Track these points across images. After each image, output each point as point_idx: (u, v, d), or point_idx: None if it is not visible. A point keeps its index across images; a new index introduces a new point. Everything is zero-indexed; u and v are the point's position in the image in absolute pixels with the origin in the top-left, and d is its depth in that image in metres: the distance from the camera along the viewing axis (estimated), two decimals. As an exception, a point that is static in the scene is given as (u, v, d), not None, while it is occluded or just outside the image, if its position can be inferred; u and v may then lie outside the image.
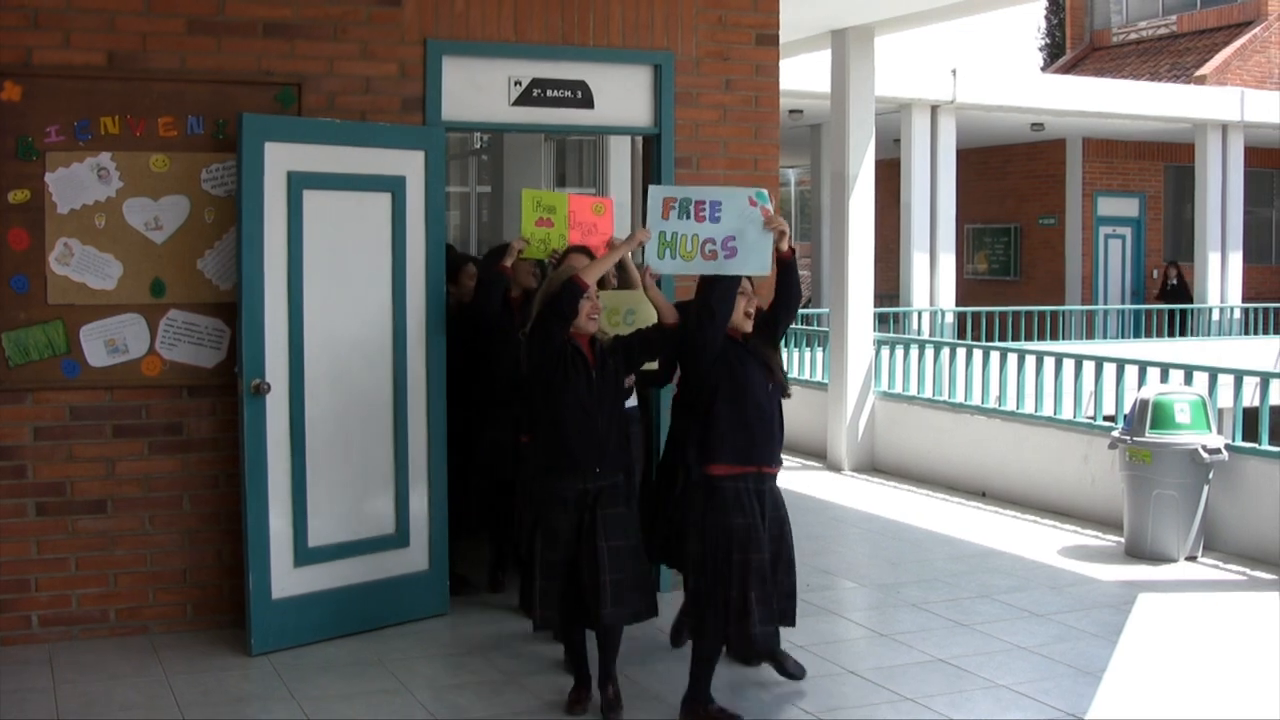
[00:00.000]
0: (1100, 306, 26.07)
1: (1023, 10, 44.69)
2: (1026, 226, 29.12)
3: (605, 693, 6.49)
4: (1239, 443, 10.14)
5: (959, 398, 13.17)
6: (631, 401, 7.63)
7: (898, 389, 13.95)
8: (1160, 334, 24.13)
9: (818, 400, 14.28)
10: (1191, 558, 9.73)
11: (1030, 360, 12.59)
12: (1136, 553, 9.85)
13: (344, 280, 7.50)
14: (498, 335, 7.99)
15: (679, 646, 7.38)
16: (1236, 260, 26.23)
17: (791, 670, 6.98)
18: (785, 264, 6.46)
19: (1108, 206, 28.42)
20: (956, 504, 12.02)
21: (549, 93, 8.33)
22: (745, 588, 6.19)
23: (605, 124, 8.67)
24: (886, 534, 10.84)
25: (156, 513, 7.58)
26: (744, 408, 6.30)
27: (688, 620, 6.63)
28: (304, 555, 7.42)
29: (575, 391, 6.36)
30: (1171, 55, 33.50)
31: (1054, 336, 22.78)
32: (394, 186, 7.67)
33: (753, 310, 6.52)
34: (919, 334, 20.82)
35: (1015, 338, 21.54)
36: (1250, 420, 10.52)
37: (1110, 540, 10.37)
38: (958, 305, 23.11)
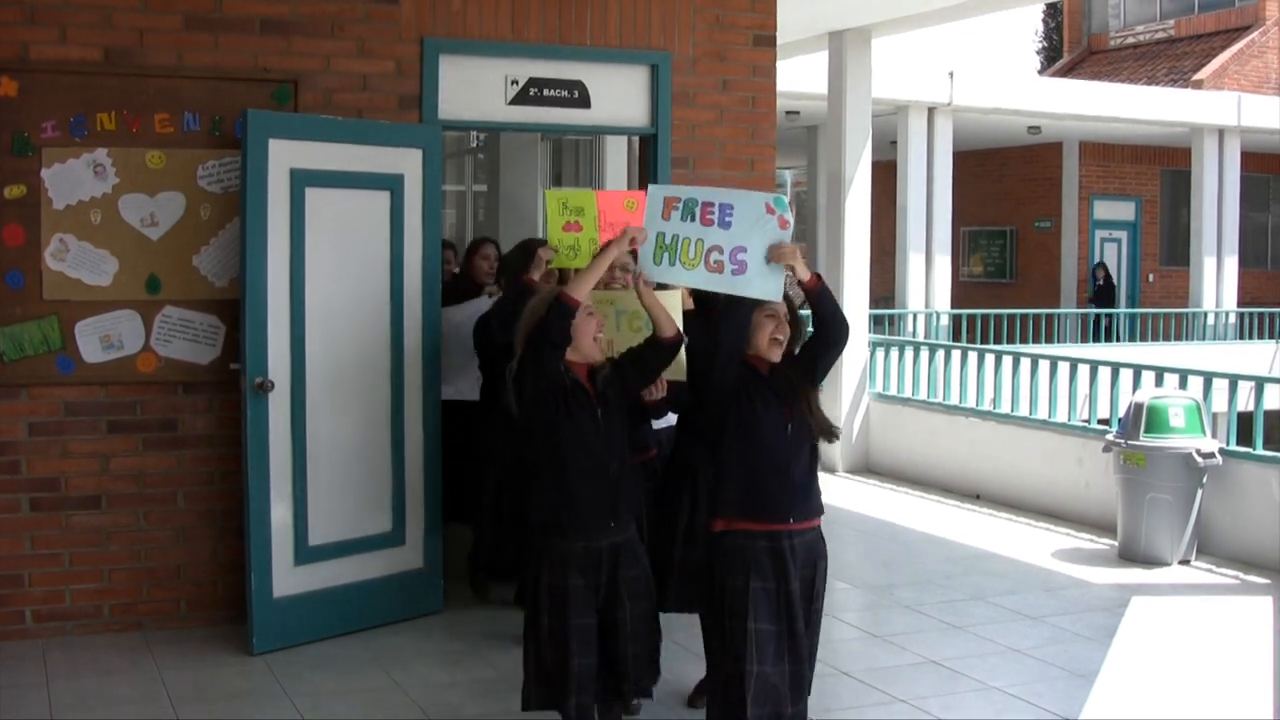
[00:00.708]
0: (1095, 310, 26.09)
1: (1020, 13, 44.74)
2: (1022, 229, 29.16)
3: None
4: (1233, 447, 10.14)
5: (954, 400, 13.17)
6: (667, 420, 6.85)
7: (892, 391, 13.95)
8: (1157, 337, 24.13)
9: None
10: (1185, 561, 9.73)
11: (1025, 363, 12.62)
12: (1130, 556, 9.85)
13: (343, 278, 7.49)
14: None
15: (694, 708, 6.59)
16: (1232, 265, 26.28)
17: None
18: (810, 295, 5.37)
19: (1104, 210, 28.47)
20: (950, 506, 12.03)
21: (546, 92, 8.34)
22: (741, 661, 5.20)
23: (602, 124, 8.67)
24: (880, 535, 10.84)
25: (151, 509, 7.57)
26: (752, 452, 5.28)
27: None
28: (304, 554, 7.42)
29: (579, 432, 5.42)
30: (1169, 59, 33.56)
31: (1049, 339, 22.80)
32: (392, 184, 7.67)
33: (783, 337, 5.44)
34: (914, 336, 20.85)
35: (1010, 340, 21.55)
36: (1244, 424, 10.52)
37: (1104, 543, 10.38)
38: (953, 308, 23.13)
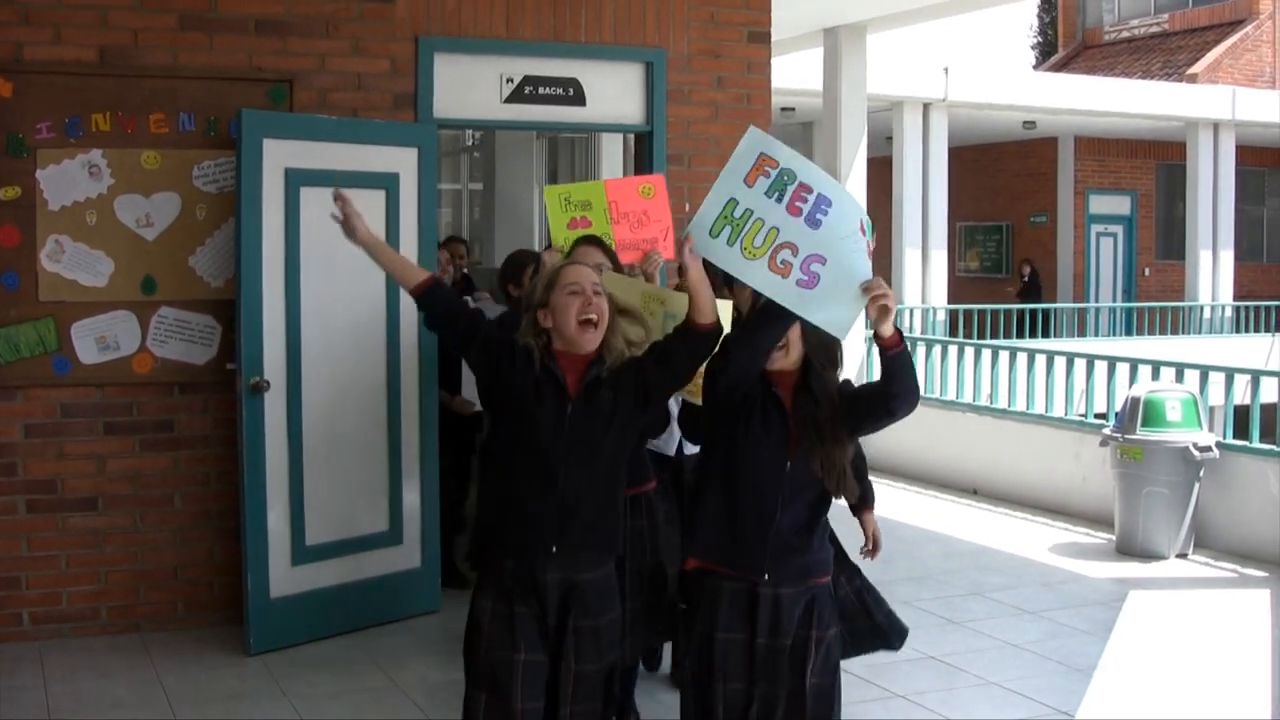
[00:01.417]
0: (1092, 304, 26.10)
1: (1015, 8, 44.73)
2: (1018, 224, 29.16)
3: None
4: (1230, 440, 10.16)
5: (950, 395, 13.17)
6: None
7: (889, 386, 13.92)
8: (1153, 331, 24.15)
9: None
10: (1182, 555, 9.74)
11: (1022, 358, 12.61)
12: (1127, 550, 9.86)
13: (339, 278, 7.47)
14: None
15: None
16: (1228, 258, 26.29)
17: None
18: (887, 355, 4.39)
19: (1099, 204, 28.47)
20: (948, 501, 12.03)
21: (541, 90, 8.34)
22: None
23: (597, 121, 8.68)
24: (878, 531, 10.83)
25: (147, 510, 7.57)
26: (735, 484, 4.50)
27: None
28: (302, 554, 7.41)
29: (532, 428, 4.51)
30: (1163, 53, 33.55)
31: (1045, 334, 22.81)
32: (388, 183, 7.66)
33: (787, 351, 4.55)
34: (910, 331, 20.82)
35: (1007, 335, 21.56)
36: (1241, 418, 10.54)
37: (1101, 538, 10.38)
38: (949, 303, 23.13)
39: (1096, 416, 11.66)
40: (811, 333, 4.48)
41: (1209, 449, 9.66)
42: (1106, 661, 7.35)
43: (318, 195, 7.37)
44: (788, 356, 4.53)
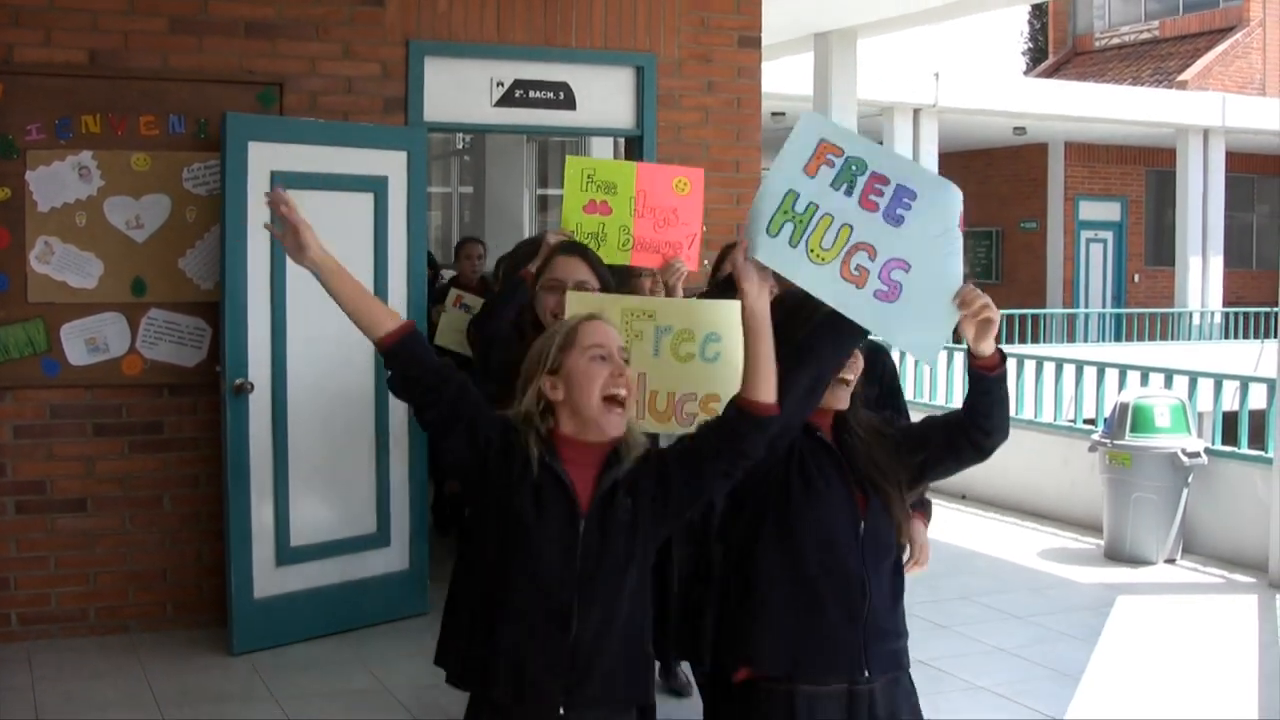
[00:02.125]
0: (1081, 310, 26.14)
1: (1006, 14, 44.80)
2: (1008, 230, 29.21)
3: None
4: (1218, 446, 10.17)
5: (940, 400, 13.19)
6: None
7: (879, 391, 13.94)
8: (1142, 337, 24.18)
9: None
10: (1170, 560, 9.76)
11: (1011, 363, 12.59)
12: (1116, 555, 9.87)
13: (325, 280, 7.47)
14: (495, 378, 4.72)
15: None
16: (1217, 264, 26.36)
17: None
18: (982, 380, 3.61)
19: (1089, 210, 28.54)
20: (937, 506, 11.99)
21: (531, 94, 8.34)
22: None
23: (587, 125, 8.68)
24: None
25: (136, 512, 7.56)
26: (802, 569, 3.59)
27: None
28: (286, 555, 7.41)
29: (534, 552, 3.37)
30: (1154, 60, 33.64)
31: (1034, 340, 22.84)
32: (376, 187, 7.66)
33: (853, 376, 3.72)
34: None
35: (997, 340, 21.50)
36: (1229, 424, 10.56)
37: (1089, 543, 10.40)
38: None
39: (1085, 422, 11.68)
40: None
41: (1197, 455, 9.68)
42: (1094, 666, 7.36)
43: (305, 199, 7.32)
44: (848, 387, 3.70)
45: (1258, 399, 10.98)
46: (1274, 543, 9.22)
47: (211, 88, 7.58)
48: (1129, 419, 9.82)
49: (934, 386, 13.39)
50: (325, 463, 7.56)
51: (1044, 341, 23.16)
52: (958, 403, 3.77)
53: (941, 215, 3.47)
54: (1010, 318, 22.53)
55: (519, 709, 3.40)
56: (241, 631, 7.23)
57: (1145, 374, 11.17)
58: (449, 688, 3.65)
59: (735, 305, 3.54)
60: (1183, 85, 30.06)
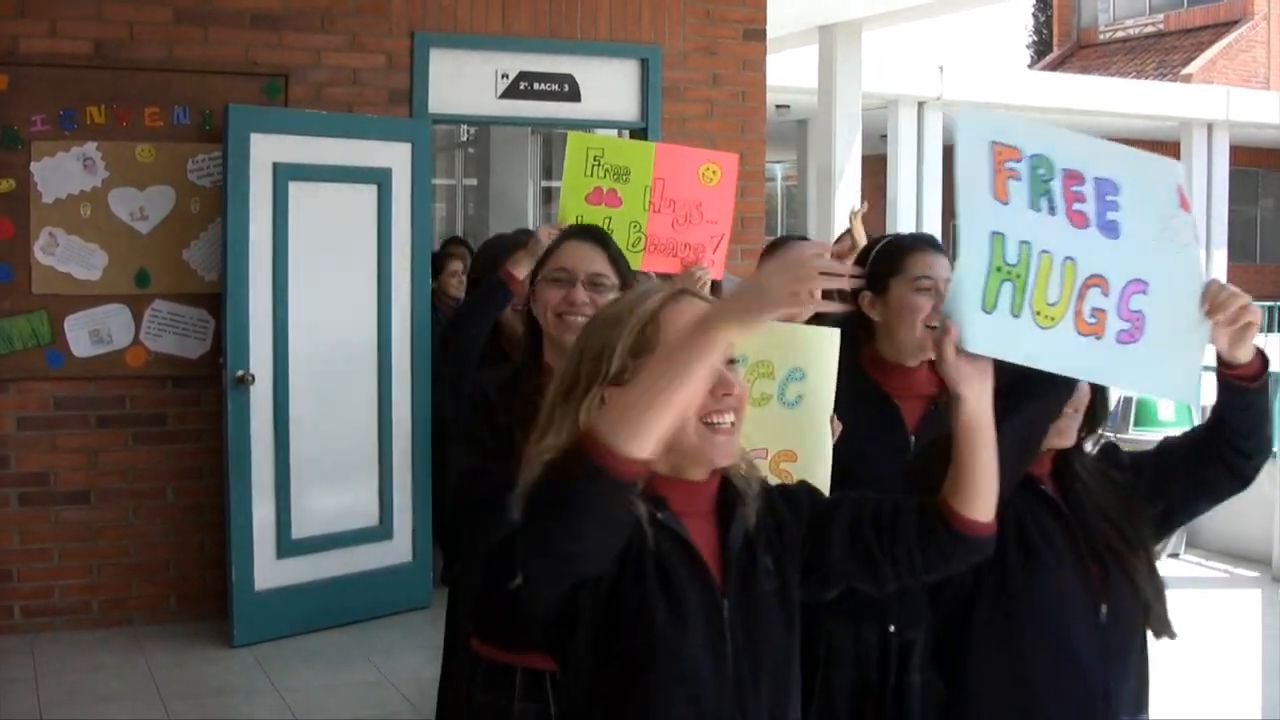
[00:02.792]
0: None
1: (1010, 7, 44.78)
2: (1012, 223, 29.19)
3: None
4: (1222, 441, 10.16)
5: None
6: None
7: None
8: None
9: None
10: (1174, 555, 9.74)
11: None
12: (1119, 550, 9.86)
13: (329, 272, 7.48)
14: (463, 407, 3.52)
15: None
16: (1221, 258, 26.32)
17: None
18: (1242, 391, 2.86)
19: (1093, 204, 28.50)
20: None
21: (536, 86, 8.33)
22: None
23: (592, 118, 8.66)
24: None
25: (140, 504, 7.56)
26: (1025, 669, 2.84)
27: None
28: (287, 547, 7.41)
29: (679, 665, 2.33)
30: (1158, 53, 33.60)
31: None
32: (380, 179, 7.66)
33: (1078, 410, 2.89)
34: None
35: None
36: (1233, 418, 10.54)
37: (1093, 537, 10.38)
38: (941, 303, 23.11)
39: (1089, 416, 11.67)
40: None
41: (1201, 449, 9.66)
42: (1097, 661, 7.35)
43: (307, 190, 7.38)
44: (1074, 417, 2.88)
45: (1262, 394, 10.97)
46: (1277, 537, 9.21)
47: (216, 79, 7.57)
48: (1133, 413, 9.82)
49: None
50: (327, 455, 7.56)
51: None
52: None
53: (1157, 202, 2.67)
54: (1014, 311, 22.51)
55: None
56: (244, 623, 7.23)
57: (1149, 368, 11.17)
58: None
59: (829, 334, 2.97)
60: (1187, 79, 30.02)
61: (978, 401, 2.43)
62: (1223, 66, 31.55)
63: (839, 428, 3.17)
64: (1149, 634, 3.01)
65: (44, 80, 7.30)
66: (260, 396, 7.27)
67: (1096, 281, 2.54)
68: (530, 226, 13.41)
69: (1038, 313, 2.48)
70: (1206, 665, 7.44)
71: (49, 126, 7.32)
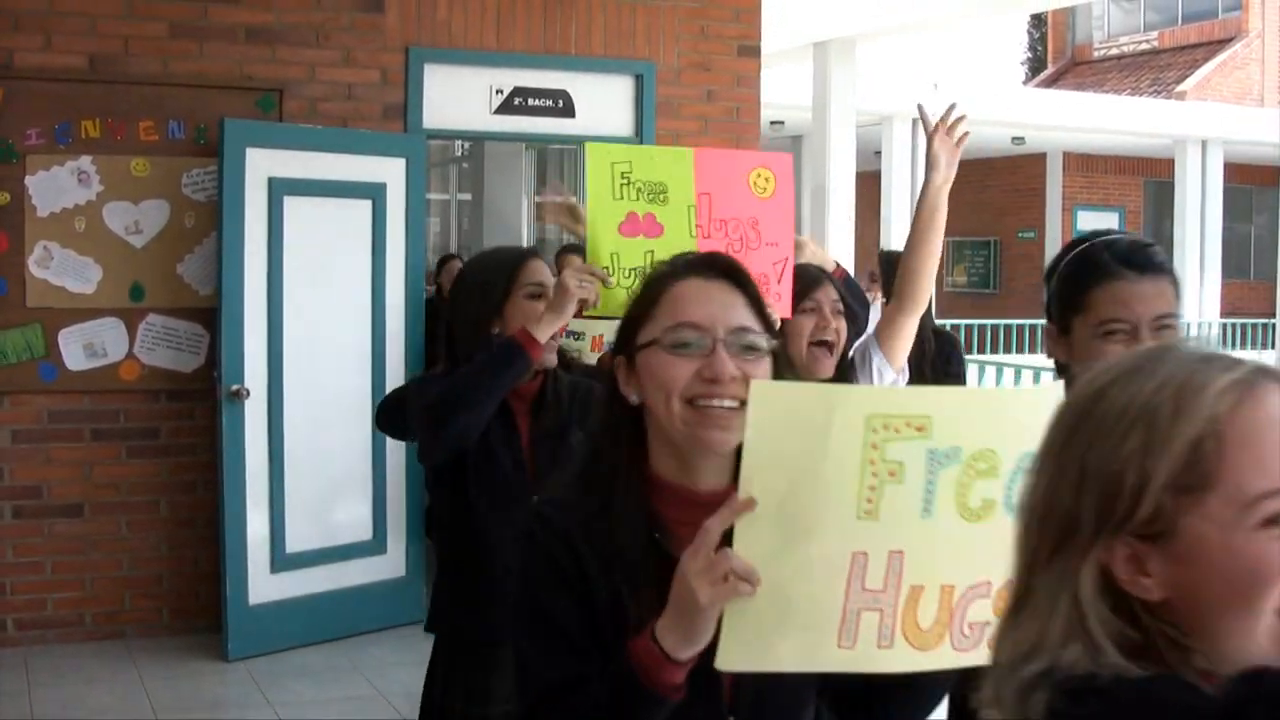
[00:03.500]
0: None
1: (1005, 24, 44.85)
2: (1006, 240, 29.22)
3: None
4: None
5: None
6: None
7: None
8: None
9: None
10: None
11: (1009, 373, 12.64)
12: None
13: (324, 287, 7.49)
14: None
15: None
16: (1215, 276, 26.36)
17: None
18: None
19: (1087, 221, 28.49)
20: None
21: (530, 101, 8.35)
22: None
23: (586, 133, 8.65)
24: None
25: (133, 517, 7.56)
26: None
27: None
28: (281, 561, 7.42)
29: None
30: (1152, 71, 33.65)
31: (1033, 350, 22.84)
32: (374, 194, 7.67)
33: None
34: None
35: (994, 351, 21.61)
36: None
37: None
38: (937, 318, 23.10)
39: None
40: None
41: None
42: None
43: (302, 205, 7.39)
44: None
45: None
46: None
47: (211, 93, 7.58)
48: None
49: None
50: (321, 469, 7.56)
51: (1041, 352, 23.15)
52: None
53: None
54: (1008, 328, 22.56)
55: None
56: (237, 638, 7.23)
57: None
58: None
59: (1055, 392, 1.96)
60: (1181, 96, 30.09)
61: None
62: (1217, 84, 31.61)
63: None
64: None
65: (39, 94, 7.32)
66: (255, 411, 7.28)
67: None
68: (524, 239, 13.39)
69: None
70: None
71: (44, 140, 7.33)
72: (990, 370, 12.91)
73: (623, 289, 3.54)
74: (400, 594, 7.88)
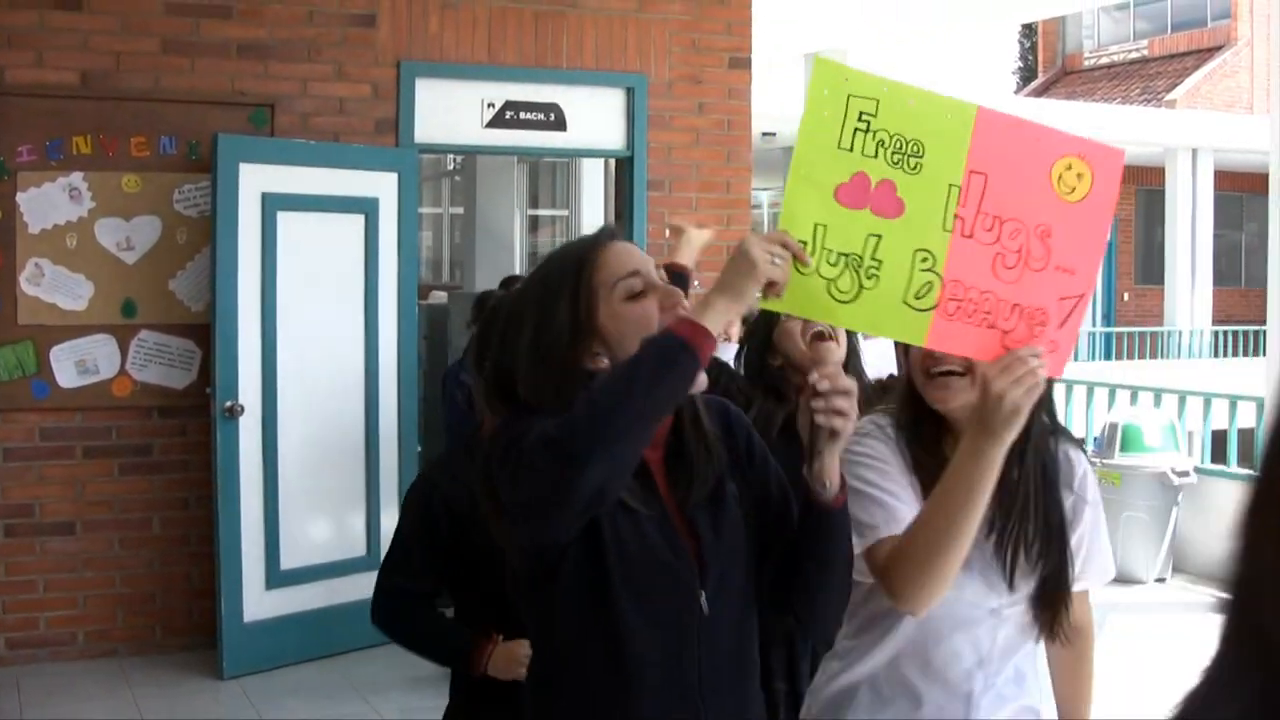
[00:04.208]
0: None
1: (996, 34, 44.92)
2: (998, 249, 29.25)
3: None
4: (1208, 465, 10.18)
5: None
6: None
7: (869, 411, 13.94)
8: (1131, 355, 24.21)
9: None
10: (1160, 579, 9.75)
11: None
12: (1106, 575, 9.85)
13: (317, 302, 7.48)
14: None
15: None
16: (1206, 283, 26.40)
17: None
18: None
19: (1078, 229, 28.57)
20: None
21: (522, 115, 8.34)
22: None
23: (578, 147, 8.69)
24: (858, 556, 10.83)
25: (126, 534, 7.54)
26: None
27: None
28: (276, 578, 7.40)
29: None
30: (1142, 79, 33.72)
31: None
32: (367, 208, 7.67)
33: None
34: (891, 356, 20.87)
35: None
36: (1219, 443, 10.56)
37: (1080, 563, 10.38)
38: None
39: (1075, 441, 11.67)
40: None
41: (1187, 474, 9.68)
42: (1085, 687, 7.34)
43: (296, 220, 7.38)
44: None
45: (1247, 417, 10.98)
46: (1265, 563, 9.21)
47: (203, 109, 7.58)
48: (1118, 438, 9.82)
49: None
50: (315, 485, 7.55)
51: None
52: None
53: None
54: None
55: None
56: (231, 655, 7.21)
57: (1135, 393, 11.18)
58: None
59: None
60: (1171, 104, 30.17)
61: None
62: (1207, 92, 31.68)
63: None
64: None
65: (30, 110, 7.31)
66: (249, 427, 7.27)
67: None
68: (516, 256, 13.40)
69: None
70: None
71: (35, 156, 7.32)
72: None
73: (820, 278, 2.45)
74: (395, 609, 7.85)
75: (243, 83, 7.68)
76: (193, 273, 7.57)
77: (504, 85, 8.30)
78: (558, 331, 2.42)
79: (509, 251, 13.28)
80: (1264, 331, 21.82)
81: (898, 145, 2.46)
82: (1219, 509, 9.84)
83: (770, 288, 2.36)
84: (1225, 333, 25.78)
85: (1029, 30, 42.67)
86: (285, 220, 7.34)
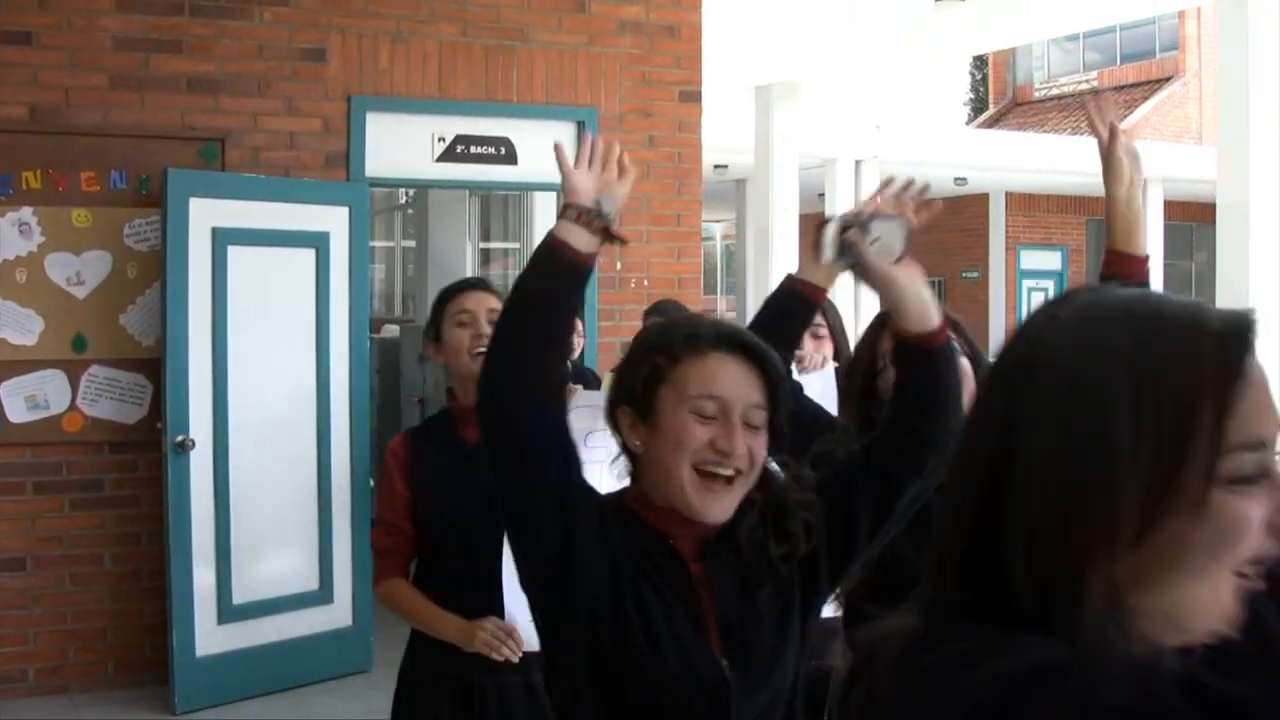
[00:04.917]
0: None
1: (947, 66, 45.27)
2: (950, 280, 29.38)
3: None
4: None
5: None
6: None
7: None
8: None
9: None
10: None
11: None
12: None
13: (268, 336, 7.48)
14: None
15: None
16: (1157, 312, 26.59)
17: None
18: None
19: (1030, 260, 28.75)
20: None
21: (473, 149, 8.37)
22: None
23: (529, 180, 8.72)
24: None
25: (77, 570, 7.50)
26: None
27: None
28: (229, 613, 7.38)
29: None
30: (1092, 110, 33.99)
31: (978, 388, 22.99)
32: (318, 242, 7.68)
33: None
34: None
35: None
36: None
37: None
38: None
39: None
40: None
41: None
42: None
43: (246, 254, 7.38)
44: None
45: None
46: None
47: (153, 143, 7.57)
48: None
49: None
50: (267, 519, 7.53)
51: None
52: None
53: None
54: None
55: None
56: (184, 690, 7.18)
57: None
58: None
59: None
60: (1121, 135, 30.44)
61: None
62: (1156, 123, 31.98)
63: None
64: None
65: (-21, 146, 7.29)
66: (200, 461, 7.25)
67: None
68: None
69: None
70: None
71: (-16, 192, 7.31)
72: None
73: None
74: (347, 644, 7.85)
75: (193, 117, 7.69)
76: (143, 307, 7.56)
77: (455, 119, 8.33)
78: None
79: (462, 284, 13.29)
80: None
81: None
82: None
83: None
84: (1176, 361, 25.97)
85: (980, 62, 43.02)
86: (236, 255, 7.34)
